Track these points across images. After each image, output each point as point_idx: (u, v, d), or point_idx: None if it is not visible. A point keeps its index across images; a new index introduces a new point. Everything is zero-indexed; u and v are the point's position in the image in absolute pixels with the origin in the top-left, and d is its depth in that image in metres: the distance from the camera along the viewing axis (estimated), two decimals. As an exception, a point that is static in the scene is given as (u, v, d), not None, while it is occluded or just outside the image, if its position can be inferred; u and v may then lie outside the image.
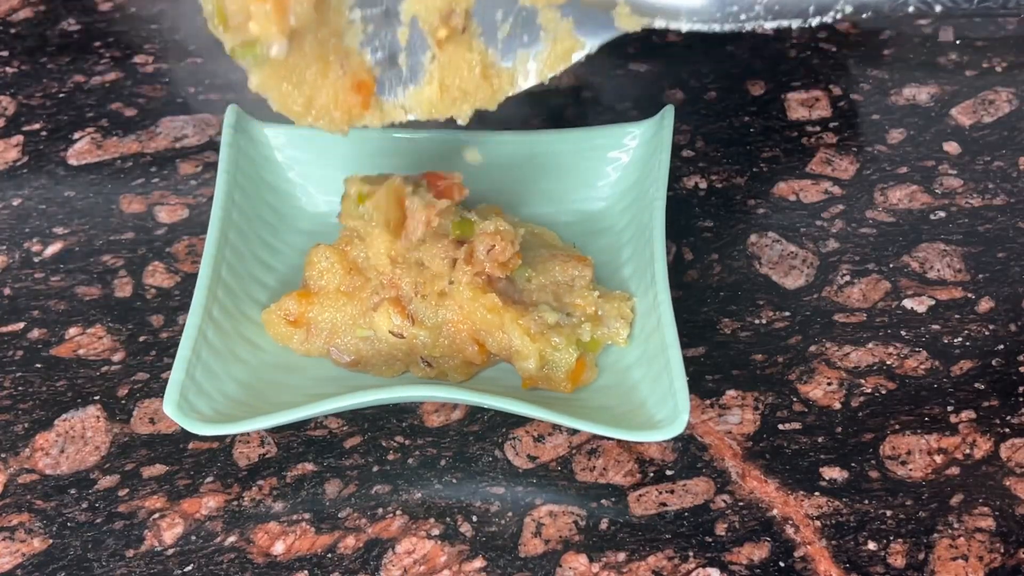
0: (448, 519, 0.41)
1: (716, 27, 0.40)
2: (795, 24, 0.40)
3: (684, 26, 0.40)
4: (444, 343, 0.45)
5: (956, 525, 0.40)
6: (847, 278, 0.49)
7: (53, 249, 0.52)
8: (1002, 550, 0.39)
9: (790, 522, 0.41)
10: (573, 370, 0.44)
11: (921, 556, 0.39)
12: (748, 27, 0.40)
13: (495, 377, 0.45)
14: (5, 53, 0.64)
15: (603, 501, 0.42)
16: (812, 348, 0.46)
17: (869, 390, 0.45)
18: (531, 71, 0.43)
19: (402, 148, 0.51)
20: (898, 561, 0.39)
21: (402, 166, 0.50)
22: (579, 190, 0.51)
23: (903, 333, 0.47)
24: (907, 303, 0.48)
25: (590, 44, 0.42)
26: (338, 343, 0.45)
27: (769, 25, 0.40)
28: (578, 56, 0.42)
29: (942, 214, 0.51)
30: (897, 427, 0.43)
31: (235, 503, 0.42)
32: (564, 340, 0.44)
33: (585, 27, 0.42)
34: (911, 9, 0.39)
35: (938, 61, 0.59)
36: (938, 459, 0.42)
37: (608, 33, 0.42)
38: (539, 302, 0.45)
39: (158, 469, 0.43)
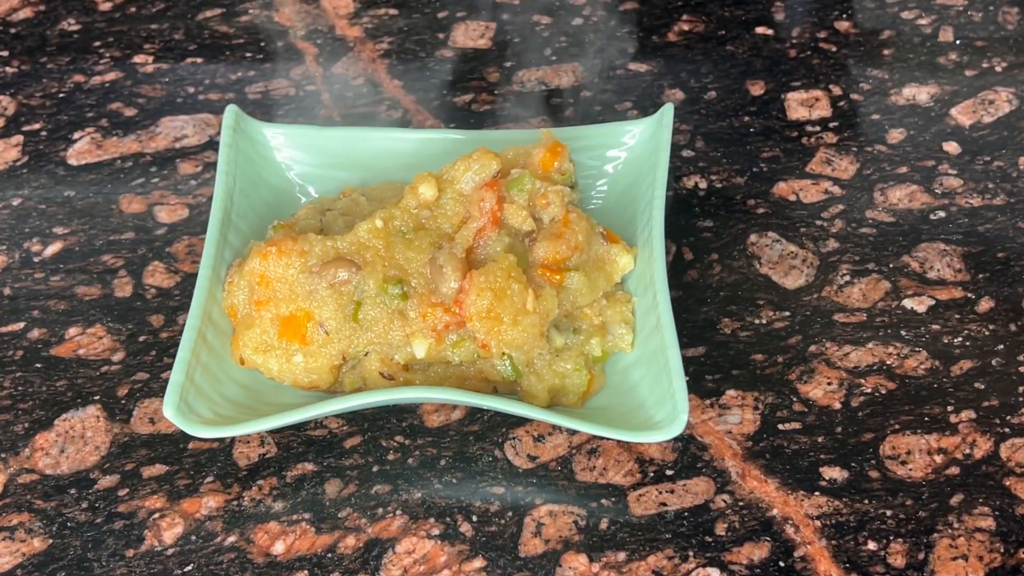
0: (448, 519, 0.41)
1: None
2: None
3: None
4: (449, 384, 0.44)
5: (956, 525, 0.40)
6: (847, 278, 0.49)
7: (53, 249, 0.52)
8: (1002, 550, 0.39)
9: (790, 522, 0.41)
10: (585, 390, 0.44)
11: (921, 556, 0.39)
12: None
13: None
14: (5, 53, 0.64)
15: (603, 501, 0.42)
16: (812, 348, 0.46)
17: (869, 390, 0.45)
18: None
19: (401, 148, 0.51)
20: (898, 561, 0.39)
21: (401, 166, 0.50)
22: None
23: (903, 333, 0.47)
24: (907, 303, 0.48)
25: None
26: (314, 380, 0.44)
27: None
28: None
29: (942, 214, 0.51)
30: (897, 427, 0.43)
31: (235, 503, 0.42)
32: (573, 366, 0.43)
33: None
34: None
35: (938, 61, 0.59)
36: (938, 459, 0.42)
37: None
38: None
39: (158, 469, 0.43)
